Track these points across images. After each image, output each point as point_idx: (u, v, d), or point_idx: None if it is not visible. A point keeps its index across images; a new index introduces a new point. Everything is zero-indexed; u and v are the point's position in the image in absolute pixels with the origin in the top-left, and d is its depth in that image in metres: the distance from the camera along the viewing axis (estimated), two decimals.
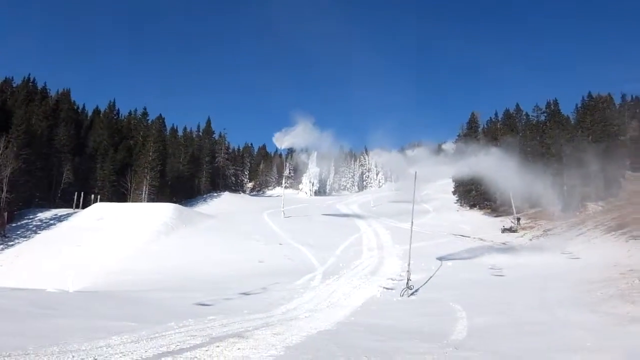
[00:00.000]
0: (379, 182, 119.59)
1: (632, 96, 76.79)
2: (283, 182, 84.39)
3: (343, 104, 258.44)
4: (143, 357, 6.78)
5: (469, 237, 43.20)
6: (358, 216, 56.66)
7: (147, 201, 58.59)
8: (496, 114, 74.54)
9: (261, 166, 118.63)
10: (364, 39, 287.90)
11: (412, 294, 18.67)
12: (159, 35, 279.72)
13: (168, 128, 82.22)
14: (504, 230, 46.52)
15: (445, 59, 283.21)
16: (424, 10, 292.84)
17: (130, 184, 63.30)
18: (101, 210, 44.03)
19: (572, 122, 62.95)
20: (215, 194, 77.54)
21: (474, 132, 71.27)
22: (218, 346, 7.83)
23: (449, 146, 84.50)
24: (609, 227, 37.02)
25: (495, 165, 48.78)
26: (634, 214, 38.96)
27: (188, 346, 7.72)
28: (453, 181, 67.49)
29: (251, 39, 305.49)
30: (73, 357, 6.44)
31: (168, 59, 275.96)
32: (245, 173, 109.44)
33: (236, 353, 7.39)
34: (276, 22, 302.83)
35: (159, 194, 63.03)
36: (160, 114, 79.13)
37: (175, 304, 14.95)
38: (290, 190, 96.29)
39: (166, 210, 42.26)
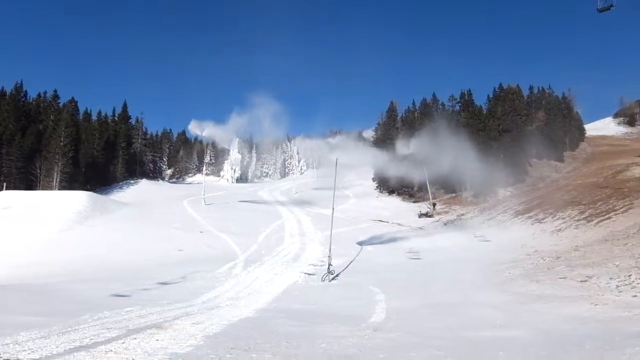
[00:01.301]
0: (301, 169, 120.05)
1: (538, 88, 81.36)
2: (204, 169, 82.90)
3: (266, 90, 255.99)
4: (54, 353, 6.46)
5: (387, 222, 44.29)
6: (280, 203, 56.74)
7: (59, 189, 55.68)
8: (414, 103, 76.73)
9: (181, 152, 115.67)
10: (286, 29, 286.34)
11: (333, 278, 18.98)
12: (71, 13, 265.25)
13: (81, 112, 78.35)
14: (421, 215, 48.08)
15: (366, 48, 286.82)
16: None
17: (40, 171, 59.98)
18: (8, 199, 41.34)
19: (484, 112, 65.71)
20: (132, 182, 75.04)
21: (393, 121, 73.02)
22: (135, 338, 7.62)
23: (369, 134, 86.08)
24: (517, 211, 39.18)
25: (410, 158, 50.41)
26: (538, 199, 41.44)
27: (103, 339, 7.46)
28: (372, 168, 68.87)
29: (169, 21, 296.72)
30: None
31: (81, 39, 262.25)
32: (164, 159, 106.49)
33: (154, 344, 7.23)
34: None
35: (71, 182, 60.09)
36: (73, 97, 75.10)
37: (90, 295, 14.38)
38: (211, 177, 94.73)
39: (80, 198, 40.39)
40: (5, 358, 5.96)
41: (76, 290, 15.47)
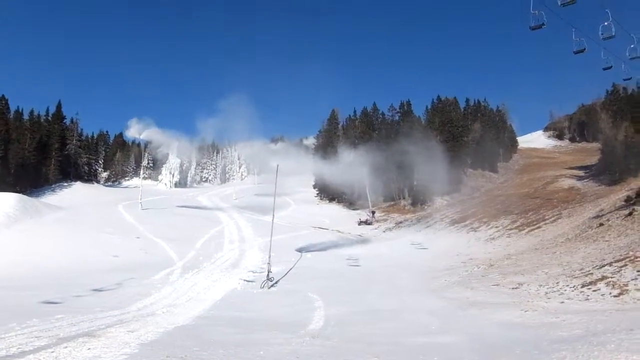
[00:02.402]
0: (242, 174, 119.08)
1: (474, 100, 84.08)
2: (141, 172, 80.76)
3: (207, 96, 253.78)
4: None
5: (327, 229, 44.57)
6: (220, 209, 56.05)
7: None
8: (355, 112, 77.51)
9: (117, 155, 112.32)
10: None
11: (272, 285, 18.91)
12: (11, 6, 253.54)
13: (12, 110, 74.91)
14: (360, 222, 48.63)
15: (310, 54, 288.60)
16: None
17: None
18: None
19: (423, 122, 67.26)
20: (66, 184, 72.41)
21: (334, 129, 73.55)
22: (66, 347, 7.36)
23: (310, 141, 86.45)
24: (453, 219, 40.32)
25: (351, 166, 51.06)
26: (473, 208, 42.79)
27: (32, 348, 7.17)
28: (313, 175, 69.17)
29: (106, 17, 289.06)
30: None
31: (16, 36, 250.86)
32: (100, 162, 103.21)
33: (86, 353, 7.00)
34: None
35: (0, 183, 57.42)
36: (3, 95, 71.78)
37: (18, 302, 13.75)
38: (149, 182, 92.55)
39: (8, 200, 38.49)
40: None
41: (2, 297, 14.76)
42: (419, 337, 9.72)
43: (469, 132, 70.75)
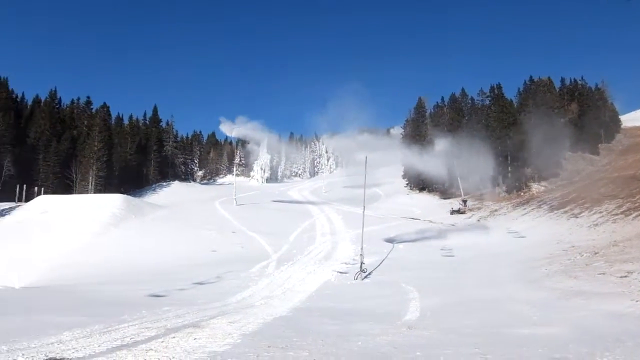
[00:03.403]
0: (330, 167, 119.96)
1: (570, 79, 79.53)
2: (234, 169, 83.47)
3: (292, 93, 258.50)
4: (97, 351, 6.60)
5: (419, 219, 44.00)
6: (310, 202, 56.84)
7: (94, 192, 56.96)
8: (442, 99, 75.82)
9: (211, 154, 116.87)
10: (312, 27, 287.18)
11: (365, 277, 18.94)
12: (101, 20, 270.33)
13: (113, 117, 79.88)
14: (453, 212, 47.60)
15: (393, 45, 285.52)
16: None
17: (76, 175, 61.40)
18: (46, 203, 42.39)
19: (515, 106, 64.68)
20: (165, 184, 76.23)
21: (421, 117, 72.34)
22: (174, 337, 7.75)
23: (397, 131, 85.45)
24: (552, 206, 38.49)
25: (441, 154, 50.04)
26: (573, 193, 40.62)
27: (143, 338, 7.60)
28: (402, 165, 68.45)
29: (194, 23, 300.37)
30: (23, 355, 6.19)
31: (110, 45, 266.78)
32: (195, 161, 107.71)
33: (192, 343, 7.34)
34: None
35: (106, 185, 61.36)
36: (105, 102, 76.61)
37: (128, 296, 14.68)
38: (241, 178, 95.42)
39: (114, 201, 41.13)
40: (51, 357, 6.13)
41: (114, 291, 15.81)
42: (519, 328, 9.37)
43: (565, 114, 67.27)
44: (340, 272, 20.17)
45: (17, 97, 72.44)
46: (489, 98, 66.28)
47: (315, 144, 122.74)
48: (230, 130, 63.75)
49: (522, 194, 50.32)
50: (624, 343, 7.48)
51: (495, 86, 66.88)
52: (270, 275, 19.60)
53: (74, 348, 6.74)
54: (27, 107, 72.96)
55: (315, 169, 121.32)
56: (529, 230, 32.13)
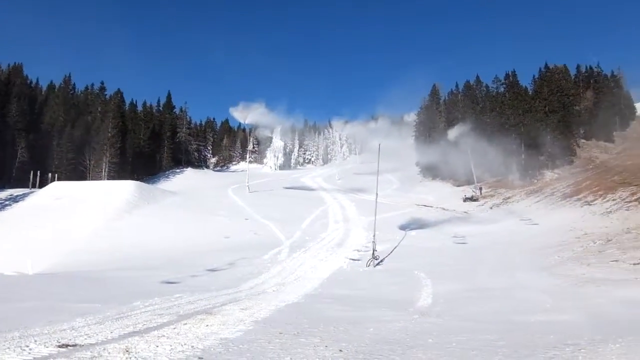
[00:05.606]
0: (344, 154, 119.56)
1: (586, 67, 78.37)
2: (247, 156, 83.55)
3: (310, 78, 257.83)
4: (109, 338, 6.63)
5: (432, 207, 43.83)
6: (323, 189, 56.80)
7: (108, 179, 57.29)
8: (457, 86, 75.08)
9: (224, 141, 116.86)
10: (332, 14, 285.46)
11: (378, 264, 18.94)
12: (116, 5, 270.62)
13: (127, 103, 79.92)
14: (466, 199, 47.35)
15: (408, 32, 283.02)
16: None
17: (89, 161, 61.74)
18: (59, 189, 42.78)
19: (530, 93, 63.91)
20: (178, 170, 76.40)
21: (435, 104, 71.79)
22: (186, 324, 7.78)
23: (411, 117, 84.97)
24: (565, 193, 38.14)
25: (454, 142, 49.68)
26: (587, 180, 40.21)
27: (155, 325, 7.64)
28: (416, 152, 68.09)
29: (208, 9, 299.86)
30: (35, 341, 6.22)
31: (125, 31, 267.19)
32: (208, 148, 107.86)
33: (204, 330, 7.35)
34: None
35: (119, 171, 61.63)
36: (119, 89, 76.72)
37: (140, 282, 14.79)
38: (254, 165, 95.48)
39: (128, 187, 41.42)
40: (64, 343, 6.17)
41: (127, 278, 15.94)
42: (533, 315, 9.30)
43: (580, 101, 66.37)
44: (353, 259, 20.19)
45: (31, 83, 72.76)
46: (504, 85, 65.51)
47: (328, 131, 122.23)
48: (243, 116, 63.57)
49: (535, 181, 49.86)
50: (637, 329, 7.38)
51: (510, 73, 66.09)
52: (282, 262, 19.66)
53: (86, 334, 6.77)
54: (41, 92, 73.15)
55: (329, 156, 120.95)
56: (542, 218, 31.90)
